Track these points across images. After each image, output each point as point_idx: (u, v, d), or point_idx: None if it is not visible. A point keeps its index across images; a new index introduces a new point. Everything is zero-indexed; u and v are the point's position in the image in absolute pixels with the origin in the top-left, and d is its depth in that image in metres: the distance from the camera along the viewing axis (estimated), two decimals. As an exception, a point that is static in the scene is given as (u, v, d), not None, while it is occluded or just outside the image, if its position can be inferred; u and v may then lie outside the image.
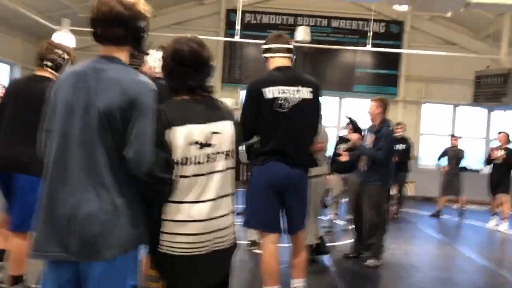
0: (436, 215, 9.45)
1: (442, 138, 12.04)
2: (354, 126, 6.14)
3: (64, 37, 10.14)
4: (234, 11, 12.55)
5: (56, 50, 3.32)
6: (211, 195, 2.00)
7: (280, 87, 3.00)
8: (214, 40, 12.24)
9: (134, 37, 1.90)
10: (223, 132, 2.04)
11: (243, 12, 12.23)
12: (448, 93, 12.46)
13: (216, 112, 2.07)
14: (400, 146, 8.25)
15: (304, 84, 3.07)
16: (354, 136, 5.47)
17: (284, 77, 3.04)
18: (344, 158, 5.63)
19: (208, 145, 1.99)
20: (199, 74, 2.04)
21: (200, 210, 1.97)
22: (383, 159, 5.03)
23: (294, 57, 3.18)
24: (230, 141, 2.08)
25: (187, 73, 2.02)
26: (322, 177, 4.81)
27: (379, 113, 5.17)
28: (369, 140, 5.20)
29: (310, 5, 12.24)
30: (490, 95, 10.03)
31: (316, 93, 3.12)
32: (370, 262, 5.13)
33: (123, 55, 1.92)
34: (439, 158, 9.71)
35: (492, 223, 8.64)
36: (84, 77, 1.83)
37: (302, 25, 12.31)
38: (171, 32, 12.45)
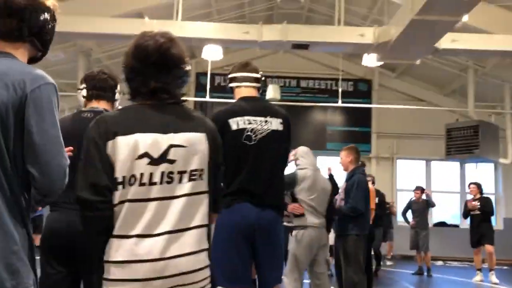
0: (419, 273, 9.00)
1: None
2: (332, 183, 5.86)
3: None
4: (203, 74, 12.59)
5: None
6: (167, 226, 1.52)
7: (247, 117, 2.71)
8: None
9: (33, 32, 1.56)
10: (191, 146, 1.59)
11: (212, 75, 12.27)
12: (420, 148, 12.48)
13: (184, 122, 1.63)
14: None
15: (274, 114, 2.79)
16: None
17: (252, 107, 2.76)
18: None
19: (164, 160, 1.55)
20: (165, 75, 1.63)
21: (150, 247, 1.50)
22: (359, 209, 4.67)
23: (262, 88, 2.94)
24: (200, 158, 1.61)
25: (150, 73, 1.62)
26: (316, 229, 4.35)
27: (350, 161, 4.95)
28: (341, 189, 4.94)
29: (278, 66, 12.39)
30: (462, 148, 10.02)
31: (287, 125, 2.84)
32: None
33: (18, 53, 1.56)
34: (404, 213, 9.37)
35: (478, 278, 8.26)
36: None
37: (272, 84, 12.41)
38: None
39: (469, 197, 8.71)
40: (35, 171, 1.44)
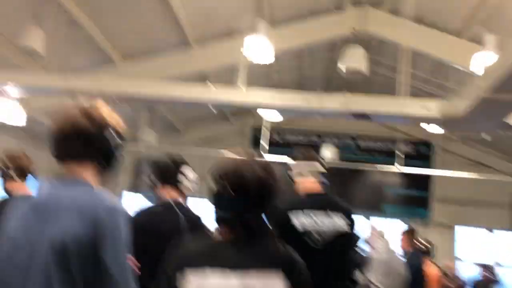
0: None
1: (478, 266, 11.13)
2: None
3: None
4: (258, 129, 12.69)
5: None
6: None
7: (309, 212, 2.62)
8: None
9: (100, 153, 1.60)
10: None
11: (269, 131, 12.35)
12: (482, 216, 11.78)
13: (261, 257, 1.52)
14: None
15: (339, 213, 2.69)
16: None
17: (314, 202, 2.68)
18: None
19: None
20: (255, 206, 1.55)
21: None
22: None
23: (327, 181, 2.85)
24: None
25: (239, 204, 1.54)
26: None
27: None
28: None
29: (335, 125, 12.29)
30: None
31: (353, 224, 2.72)
32: None
33: (87, 173, 1.58)
34: None
35: None
36: (35, 206, 1.51)
37: (328, 144, 12.29)
38: (197, 148, 12.59)
39: None
40: None
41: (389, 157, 12.16)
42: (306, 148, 2.99)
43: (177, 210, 2.55)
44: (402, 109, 5.96)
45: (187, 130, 13.01)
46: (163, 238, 2.39)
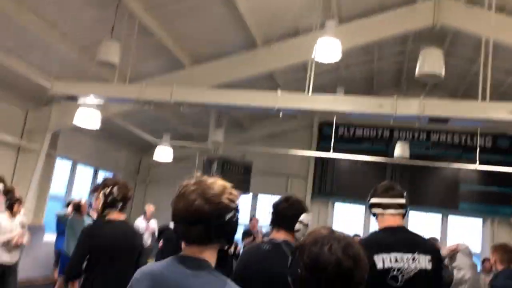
0: None
1: None
2: None
3: (164, 151, 10.58)
4: (326, 124, 12.49)
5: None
6: None
7: (394, 254, 2.49)
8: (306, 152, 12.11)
9: (220, 235, 1.58)
10: None
11: (337, 125, 12.11)
12: None
13: None
14: None
15: (421, 250, 2.54)
16: None
17: (397, 241, 2.54)
18: None
19: None
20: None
21: None
22: None
23: (407, 211, 2.70)
24: None
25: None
26: None
27: (495, 261, 4.41)
28: None
29: (407, 118, 11.80)
30: None
31: (436, 261, 2.56)
32: None
33: (208, 254, 1.58)
34: None
35: None
36: (162, 282, 1.51)
37: (398, 138, 11.85)
38: (264, 144, 12.65)
39: None
40: None
41: (465, 152, 11.54)
42: (388, 183, 2.78)
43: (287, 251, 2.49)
44: (486, 114, 5.54)
45: (252, 127, 13.10)
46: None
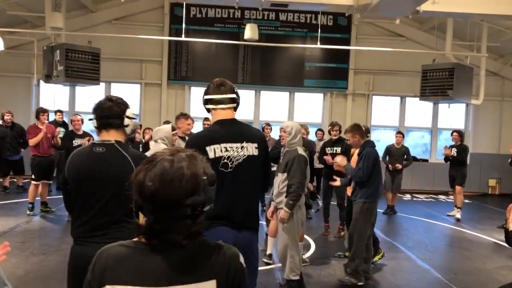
0: (389, 211, 9.56)
1: (391, 132, 12.25)
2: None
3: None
4: (177, 4, 12.06)
5: None
6: None
7: (224, 145, 2.74)
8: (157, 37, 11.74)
9: None
10: None
11: (188, 6, 11.77)
12: (396, 85, 12.59)
13: (189, 269, 1.35)
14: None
15: (249, 139, 2.83)
16: (340, 161, 5.71)
17: (227, 133, 2.78)
18: (337, 183, 5.89)
19: None
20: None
21: None
22: (363, 178, 5.13)
23: (238, 104, 2.92)
24: None
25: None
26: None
27: (358, 140, 5.33)
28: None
29: (257, -2, 11.90)
30: (437, 89, 10.13)
31: (262, 148, 2.88)
32: (346, 278, 5.13)
33: None
34: (383, 157, 9.61)
35: (453, 213, 9.49)
36: None
37: (249, 18, 12.02)
38: (113, 29, 11.87)
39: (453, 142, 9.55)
40: None
41: (310, 31, 12.23)
42: (219, 80, 2.90)
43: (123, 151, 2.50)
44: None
45: (99, 10, 12.12)
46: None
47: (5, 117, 9.58)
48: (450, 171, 9.58)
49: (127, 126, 2.61)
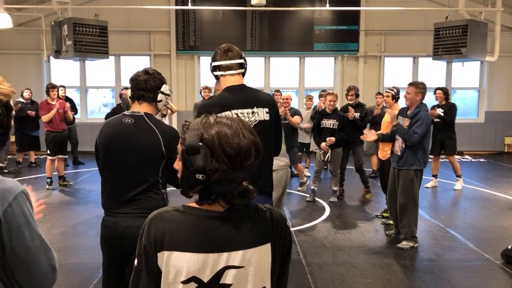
0: (374, 175, 8.95)
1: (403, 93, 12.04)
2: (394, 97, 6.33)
3: (-1, 18, 9.33)
4: (183, -28, 11.84)
5: None
6: None
7: (235, 111, 2.73)
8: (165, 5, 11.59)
9: None
10: (248, 266, 1.33)
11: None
12: (408, 45, 12.34)
13: (242, 234, 1.34)
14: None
15: (259, 104, 2.81)
16: (390, 111, 5.80)
17: (237, 99, 2.76)
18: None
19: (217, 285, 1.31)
20: None
21: None
22: (415, 143, 4.96)
23: (246, 70, 2.89)
24: (262, 275, 1.35)
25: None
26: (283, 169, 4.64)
27: (419, 100, 5.11)
28: (405, 123, 5.12)
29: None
30: (450, 47, 9.92)
31: (273, 112, 2.86)
32: (403, 244, 5.20)
33: None
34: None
35: (430, 184, 8.35)
36: None
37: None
38: (119, 0, 11.75)
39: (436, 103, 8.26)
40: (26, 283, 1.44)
41: (318, -7, 11.96)
42: (226, 46, 2.86)
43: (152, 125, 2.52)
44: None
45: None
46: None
47: (24, 94, 9.66)
48: (437, 136, 8.02)
49: (160, 101, 2.63)
